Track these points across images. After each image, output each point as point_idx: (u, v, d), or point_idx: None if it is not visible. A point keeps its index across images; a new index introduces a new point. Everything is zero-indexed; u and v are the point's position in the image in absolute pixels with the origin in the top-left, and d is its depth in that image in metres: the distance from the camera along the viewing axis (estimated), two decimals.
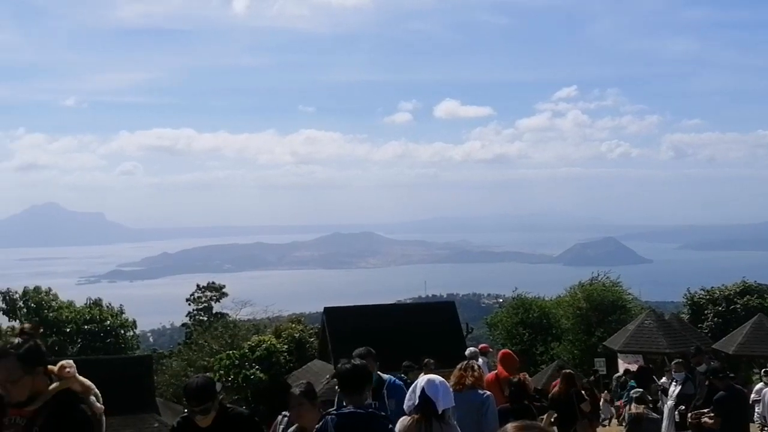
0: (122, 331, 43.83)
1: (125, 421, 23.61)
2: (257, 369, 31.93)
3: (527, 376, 11.67)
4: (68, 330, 41.24)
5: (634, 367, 26.80)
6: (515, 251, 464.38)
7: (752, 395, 17.97)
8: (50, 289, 44.31)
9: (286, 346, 36.68)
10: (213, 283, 53.99)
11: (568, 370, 14.40)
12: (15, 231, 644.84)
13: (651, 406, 15.55)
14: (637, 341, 29.69)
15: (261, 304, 55.92)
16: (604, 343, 33.81)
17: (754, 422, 16.89)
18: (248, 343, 34.73)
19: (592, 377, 28.15)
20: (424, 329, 31.68)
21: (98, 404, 5.02)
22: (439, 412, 6.04)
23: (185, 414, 5.68)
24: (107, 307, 44.66)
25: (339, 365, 6.08)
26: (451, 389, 6.44)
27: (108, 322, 42.92)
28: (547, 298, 48.32)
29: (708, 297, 41.98)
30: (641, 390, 16.05)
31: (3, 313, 41.53)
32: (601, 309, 41.52)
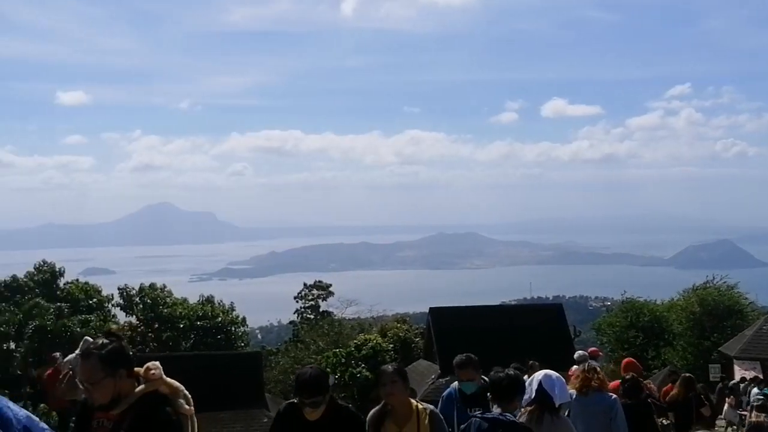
0: (233, 328, 44.72)
1: (236, 416, 24.20)
2: (363, 367, 32.14)
3: (651, 383, 11.47)
4: (182, 326, 42.40)
5: (750, 374, 25.68)
6: (624, 253, 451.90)
7: None
8: (164, 286, 45.60)
9: (391, 346, 36.87)
10: (320, 281, 54.83)
11: (687, 374, 14.02)
12: (132, 229, 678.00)
13: None
14: (755, 347, 28.41)
15: (366, 304, 56.61)
16: (719, 349, 32.49)
17: None
18: (354, 341, 35.04)
19: (719, 384, 26.81)
20: (530, 331, 31.05)
21: (186, 406, 4.76)
22: (556, 406, 6.10)
23: (293, 401, 5.42)
24: (218, 304, 45.79)
25: (492, 373, 6.57)
26: (566, 385, 6.45)
27: (219, 318, 43.89)
28: (658, 302, 46.72)
29: None
30: (762, 397, 15.37)
31: (120, 309, 43.12)
32: (716, 314, 39.81)
